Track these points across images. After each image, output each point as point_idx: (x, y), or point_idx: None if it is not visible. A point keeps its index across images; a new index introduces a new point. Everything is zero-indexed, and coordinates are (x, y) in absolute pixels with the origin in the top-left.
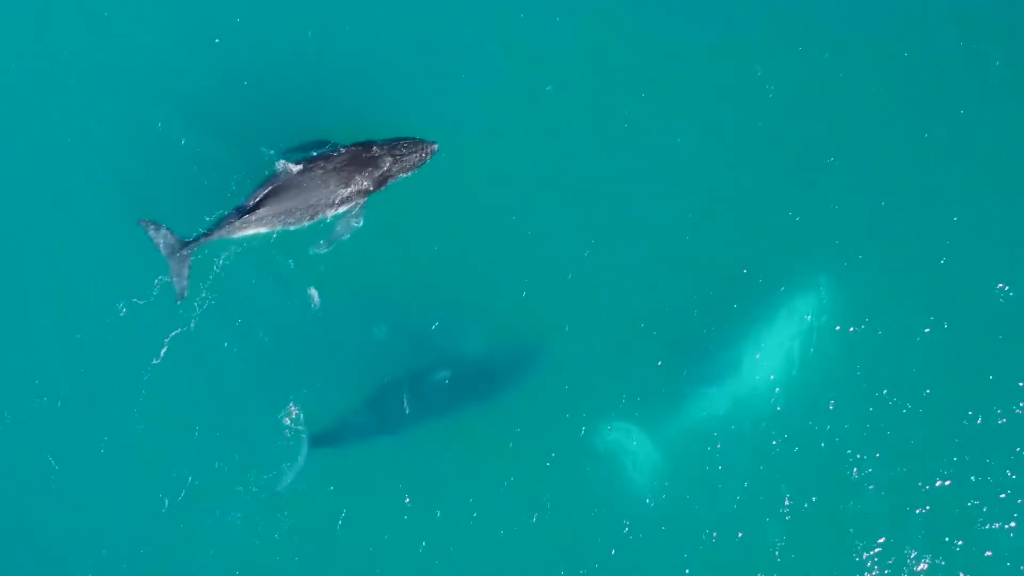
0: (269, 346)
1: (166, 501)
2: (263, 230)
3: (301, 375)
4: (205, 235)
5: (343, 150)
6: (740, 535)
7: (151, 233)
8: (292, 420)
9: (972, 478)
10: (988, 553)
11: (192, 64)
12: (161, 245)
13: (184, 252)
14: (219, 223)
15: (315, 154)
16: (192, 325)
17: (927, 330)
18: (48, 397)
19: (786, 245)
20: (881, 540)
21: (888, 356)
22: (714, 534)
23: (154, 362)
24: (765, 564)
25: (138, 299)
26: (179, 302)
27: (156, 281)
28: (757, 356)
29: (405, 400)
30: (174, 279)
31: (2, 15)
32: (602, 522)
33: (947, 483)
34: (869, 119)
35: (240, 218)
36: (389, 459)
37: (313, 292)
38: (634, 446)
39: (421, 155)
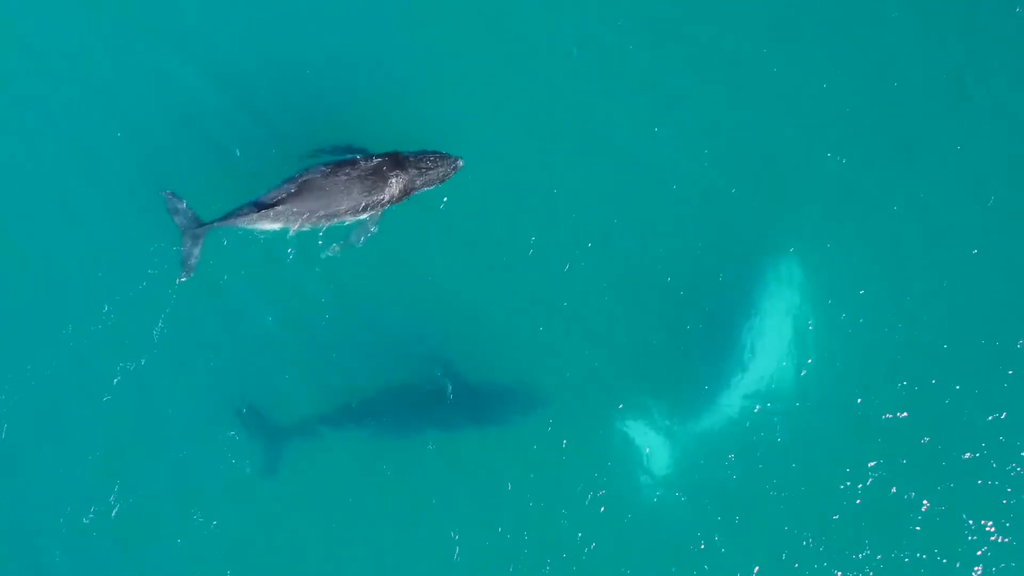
0: (230, 370)
1: (113, 530)
2: (279, 226)
3: (293, 386)
4: (221, 219)
5: (371, 158)
6: (751, 534)
7: (171, 205)
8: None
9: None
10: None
11: (217, 75)
12: (179, 219)
13: (199, 231)
14: (237, 211)
15: (342, 159)
16: (143, 362)
17: (936, 325)
18: None
19: (796, 241)
20: (896, 541)
21: (899, 347)
22: (721, 532)
23: (105, 399)
24: (775, 563)
25: (92, 324)
26: (183, 279)
27: (105, 308)
28: (769, 352)
29: (408, 404)
30: (184, 257)
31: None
32: (613, 520)
33: (971, 478)
34: (858, 106)
35: (259, 211)
36: (387, 462)
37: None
38: (648, 444)
39: (446, 170)
